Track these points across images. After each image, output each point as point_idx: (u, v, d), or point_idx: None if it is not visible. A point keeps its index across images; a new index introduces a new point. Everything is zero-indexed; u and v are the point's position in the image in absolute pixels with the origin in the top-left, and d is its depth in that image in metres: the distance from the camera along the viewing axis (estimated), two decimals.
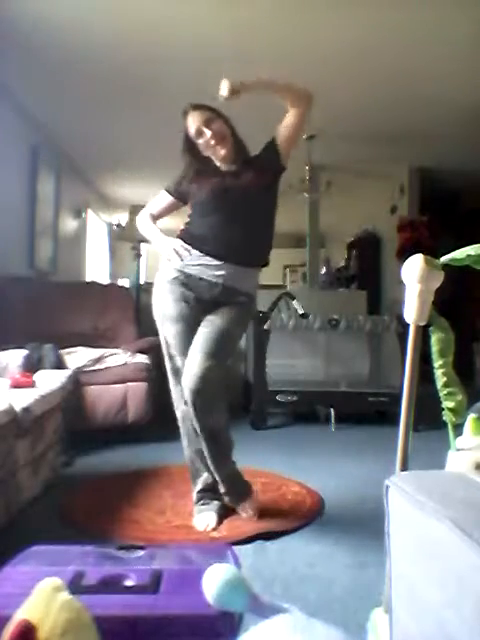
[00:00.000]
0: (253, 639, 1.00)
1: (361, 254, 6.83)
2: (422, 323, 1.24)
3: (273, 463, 2.95)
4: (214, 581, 1.08)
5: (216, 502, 2.20)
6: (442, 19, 3.11)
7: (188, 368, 2.03)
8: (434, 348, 1.27)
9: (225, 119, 2.17)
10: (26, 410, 2.19)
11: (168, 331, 2.15)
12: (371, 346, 4.60)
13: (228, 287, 2.14)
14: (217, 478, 2.17)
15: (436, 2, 2.95)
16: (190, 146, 2.19)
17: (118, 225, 7.40)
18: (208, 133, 2.13)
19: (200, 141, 2.16)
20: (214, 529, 2.07)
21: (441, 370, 1.27)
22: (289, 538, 2.02)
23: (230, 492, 2.20)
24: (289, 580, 1.68)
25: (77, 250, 6.26)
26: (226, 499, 2.22)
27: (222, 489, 2.20)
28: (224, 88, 2.05)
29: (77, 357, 3.47)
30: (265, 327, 4.07)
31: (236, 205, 2.14)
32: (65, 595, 1.06)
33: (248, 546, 1.93)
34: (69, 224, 5.87)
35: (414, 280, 1.21)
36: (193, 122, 2.14)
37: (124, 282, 6.75)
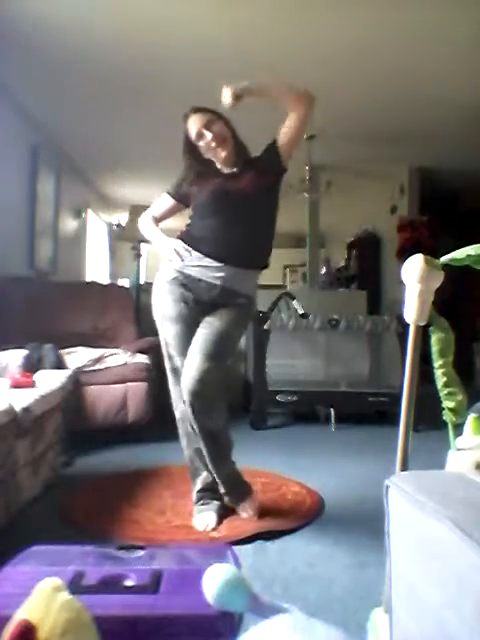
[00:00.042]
0: (253, 639, 1.00)
1: (361, 254, 6.83)
2: (422, 323, 1.24)
3: (273, 463, 2.95)
4: (214, 581, 1.08)
5: (216, 502, 2.20)
6: (442, 19, 3.11)
7: (187, 370, 2.04)
8: (434, 348, 1.27)
9: (226, 121, 2.18)
10: (26, 410, 2.19)
11: (167, 331, 2.15)
12: (371, 346, 4.60)
13: (227, 289, 2.14)
14: (217, 478, 2.17)
15: (436, 2, 2.95)
16: (191, 149, 2.20)
17: (118, 225, 7.40)
18: (209, 135, 2.13)
19: (201, 144, 2.16)
20: (214, 529, 2.07)
21: (441, 370, 1.27)
22: (289, 538, 2.02)
23: (230, 492, 2.20)
24: (289, 580, 1.68)
25: (77, 250, 6.26)
26: (226, 499, 2.22)
27: (222, 489, 2.20)
28: (226, 95, 2.08)
29: (77, 357, 3.47)
30: (265, 327, 4.07)
31: (236, 207, 2.14)
32: (65, 595, 1.06)
33: (248, 546, 1.93)
34: (69, 224, 5.87)
35: (414, 280, 1.21)
36: (194, 125, 2.15)
37: (124, 282, 6.75)
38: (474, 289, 5.97)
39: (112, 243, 7.89)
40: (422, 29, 3.22)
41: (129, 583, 1.25)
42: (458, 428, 1.26)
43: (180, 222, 2.32)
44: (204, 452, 2.12)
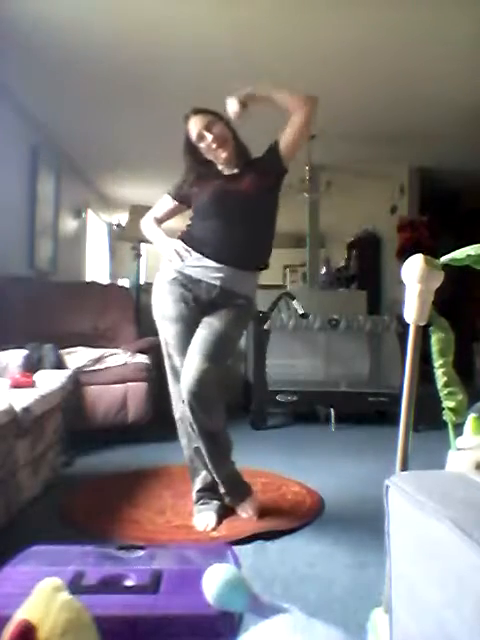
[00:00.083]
0: (253, 639, 1.00)
1: (361, 254, 6.83)
2: (422, 323, 1.24)
3: (273, 463, 2.95)
4: (214, 581, 1.08)
5: (216, 502, 2.20)
6: (442, 19, 3.11)
7: (186, 370, 2.04)
8: (434, 348, 1.27)
9: (226, 122, 2.18)
10: (26, 410, 2.19)
11: (167, 331, 2.16)
12: (371, 346, 4.60)
13: (226, 290, 2.14)
14: (216, 478, 2.17)
15: (436, 2, 2.95)
16: (191, 150, 2.20)
17: (118, 225, 7.40)
18: (209, 137, 2.13)
19: (202, 145, 2.17)
20: (214, 529, 2.07)
21: (441, 370, 1.27)
22: (289, 538, 2.02)
23: (230, 492, 2.20)
24: (289, 580, 1.68)
25: (77, 250, 6.26)
26: (226, 499, 2.22)
27: (222, 489, 2.20)
28: (232, 104, 2.10)
29: (77, 357, 3.47)
30: (265, 327, 4.07)
31: (237, 208, 2.15)
32: (65, 595, 1.06)
33: (248, 546, 1.93)
34: (69, 224, 5.87)
35: (414, 280, 1.21)
36: (194, 126, 2.15)
37: (124, 282, 6.75)
38: (474, 289, 5.97)
39: (112, 243, 7.89)
40: (422, 29, 3.22)
41: (129, 583, 1.25)
42: (458, 428, 1.26)
43: (181, 223, 2.32)
44: (203, 452, 2.12)
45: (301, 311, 4.07)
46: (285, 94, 2.18)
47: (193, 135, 2.16)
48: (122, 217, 7.24)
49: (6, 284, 3.83)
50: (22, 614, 0.99)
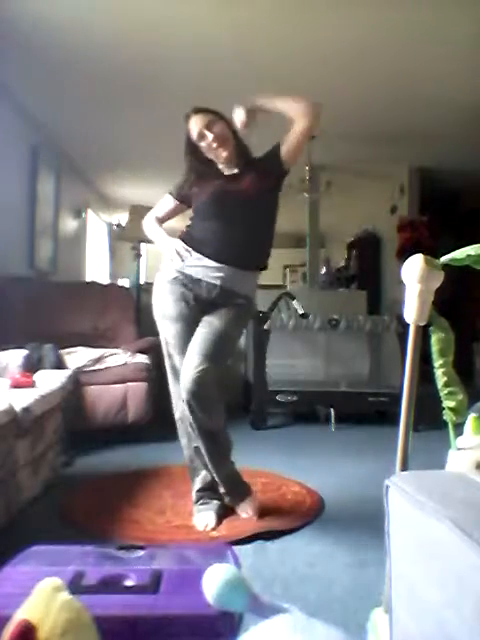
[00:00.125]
0: (253, 639, 1.00)
1: (361, 254, 6.83)
2: (422, 323, 1.24)
3: (273, 463, 2.95)
4: (214, 581, 1.08)
5: (216, 501, 2.20)
6: (442, 19, 3.11)
7: (185, 369, 2.04)
8: (434, 348, 1.27)
9: (227, 122, 2.18)
10: (26, 410, 2.19)
11: (167, 330, 2.16)
12: (371, 346, 4.60)
13: (226, 289, 2.15)
14: (216, 478, 2.17)
15: (436, 2, 2.95)
16: (192, 149, 2.21)
17: (118, 225, 7.40)
18: (210, 136, 2.14)
19: (202, 144, 2.17)
20: (213, 529, 2.07)
21: (441, 369, 1.27)
22: (289, 538, 2.02)
23: (230, 492, 2.20)
24: (289, 580, 1.68)
25: (77, 250, 6.26)
26: (226, 499, 2.22)
27: (222, 489, 2.20)
28: (239, 114, 2.11)
29: (77, 357, 3.47)
30: (265, 327, 4.07)
31: (237, 209, 2.15)
32: (65, 595, 1.06)
33: (248, 546, 1.93)
34: (69, 224, 5.87)
35: (414, 280, 1.21)
36: (195, 125, 2.16)
37: (124, 282, 6.75)
38: (474, 289, 5.97)
39: (112, 243, 7.89)
40: (422, 29, 3.22)
41: (129, 583, 1.25)
42: (458, 428, 1.26)
43: (181, 223, 2.32)
44: (203, 452, 2.12)
45: (301, 311, 4.07)
46: (289, 101, 2.16)
47: (194, 134, 2.16)
48: (122, 217, 7.24)
49: (6, 284, 3.83)
50: (22, 614, 0.99)
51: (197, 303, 2.16)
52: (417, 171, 5.98)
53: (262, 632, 1.00)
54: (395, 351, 4.05)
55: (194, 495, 2.23)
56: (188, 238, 2.21)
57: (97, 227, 7.24)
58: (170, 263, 2.20)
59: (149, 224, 2.38)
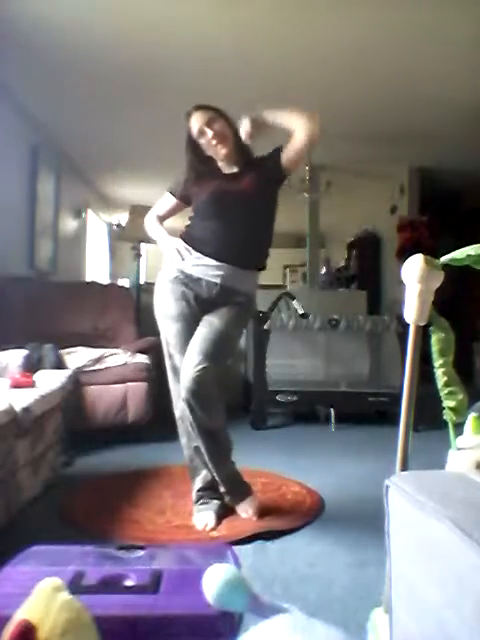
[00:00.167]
0: (253, 639, 1.00)
1: (361, 254, 6.82)
2: (422, 323, 1.24)
3: (273, 463, 2.95)
4: (214, 581, 1.08)
5: (215, 501, 2.20)
6: (442, 19, 3.11)
7: (185, 368, 2.05)
8: (434, 348, 1.27)
9: (228, 120, 2.19)
10: (26, 410, 2.19)
11: (168, 330, 2.17)
12: (371, 346, 4.60)
13: (227, 287, 2.15)
14: (216, 478, 2.17)
15: (436, 2, 2.95)
16: (193, 147, 2.21)
17: (118, 225, 7.40)
18: (210, 133, 2.15)
19: (202, 141, 2.18)
20: (213, 529, 2.07)
21: (442, 369, 1.27)
22: (289, 538, 2.02)
23: (230, 492, 2.20)
24: (289, 580, 1.68)
25: (77, 250, 6.26)
26: (226, 499, 2.22)
27: (222, 489, 2.21)
28: (245, 124, 2.12)
29: (77, 357, 3.47)
30: (265, 327, 4.07)
31: (236, 208, 2.16)
32: (65, 595, 1.06)
33: (248, 546, 1.93)
34: (69, 224, 5.87)
35: (414, 280, 1.21)
36: (196, 122, 2.16)
37: (124, 282, 6.75)
38: (474, 289, 5.97)
39: (112, 243, 7.89)
40: (422, 29, 3.22)
41: (129, 583, 1.25)
42: (458, 427, 1.26)
43: (180, 223, 2.33)
44: (203, 451, 2.12)
45: (301, 311, 4.07)
46: (291, 116, 2.16)
47: (194, 131, 2.17)
48: (122, 217, 7.24)
49: (6, 284, 3.83)
50: (22, 614, 0.99)
51: (198, 303, 2.16)
52: (417, 171, 5.98)
53: (262, 632, 1.00)
54: (395, 351, 4.05)
55: (194, 495, 2.23)
56: (188, 238, 2.22)
57: (97, 227, 7.24)
58: (171, 262, 2.21)
59: (150, 223, 2.39)
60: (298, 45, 3.40)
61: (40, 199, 4.71)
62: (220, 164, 2.25)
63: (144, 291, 5.06)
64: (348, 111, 4.40)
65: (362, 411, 4.17)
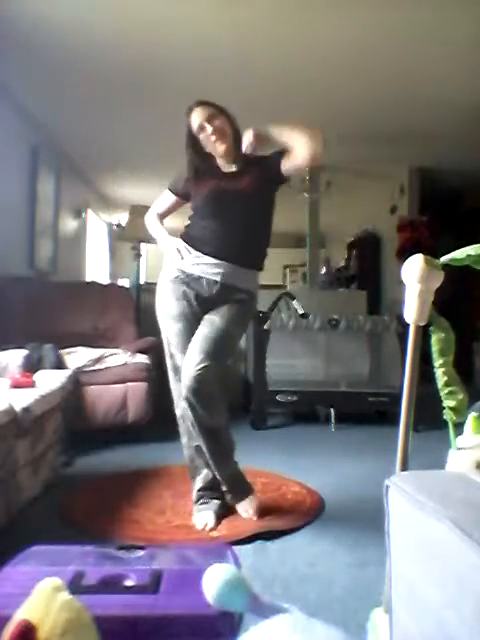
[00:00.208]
0: (253, 639, 1.00)
1: (361, 254, 6.82)
2: (422, 323, 1.24)
3: (273, 463, 2.95)
4: (214, 581, 1.08)
5: (215, 501, 2.20)
6: (442, 19, 3.11)
7: (186, 367, 2.05)
8: (434, 348, 1.27)
9: (229, 117, 2.20)
10: (26, 410, 2.19)
11: (169, 329, 2.18)
12: (371, 346, 4.60)
13: (227, 285, 2.16)
14: (218, 477, 2.18)
15: (436, 2, 2.95)
16: (193, 143, 2.22)
17: (118, 225, 7.40)
18: (209, 129, 2.16)
19: (202, 136, 2.19)
20: (213, 529, 2.08)
21: (442, 369, 1.27)
22: (289, 538, 2.02)
23: (231, 491, 2.21)
24: (289, 580, 1.68)
25: (77, 250, 6.26)
26: (227, 497, 2.22)
27: (223, 488, 2.21)
28: (248, 135, 2.11)
29: (77, 357, 3.47)
30: (265, 327, 4.07)
31: (233, 207, 2.17)
32: (65, 595, 1.06)
33: (248, 546, 1.93)
34: (69, 224, 5.86)
35: (414, 280, 1.21)
36: (196, 117, 2.17)
37: (124, 282, 6.75)
38: (474, 289, 5.97)
39: (112, 243, 7.89)
40: (422, 29, 3.22)
41: (129, 583, 1.25)
42: (459, 427, 1.26)
43: (180, 223, 2.33)
44: (204, 450, 2.12)
45: (301, 311, 4.07)
46: (296, 136, 2.12)
47: (194, 126, 2.18)
48: (122, 217, 7.25)
49: (6, 284, 3.83)
50: (22, 614, 0.99)
51: (199, 302, 2.17)
52: (417, 171, 5.98)
53: (262, 632, 1.00)
54: (395, 351, 4.05)
55: (194, 495, 2.24)
56: (187, 237, 2.23)
57: (97, 227, 7.24)
58: (171, 262, 2.22)
59: (151, 221, 2.40)
60: (298, 45, 3.40)
61: (40, 199, 4.71)
62: (219, 162, 2.26)
63: (144, 291, 5.07)
64: (348, 111, 4.40)
65: (362, 411, 4.17)
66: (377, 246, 6.67)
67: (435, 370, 1.28)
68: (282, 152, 2.18)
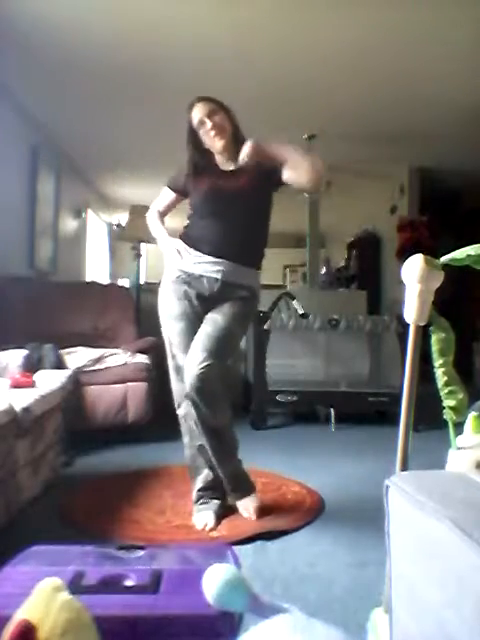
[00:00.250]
0: (253, 639, 1.00)
1: (361, 254, 6.83)
2: (422, 323, 1.24)
3: (273, 463, 2.95)
4: (214, 581, 1.08)
5: (215, 501, 2.21)
6: (442, 19, 3.11)
7: (189, 365, 2.06)
8: (434, 348, 1.27)
9: (229, 114, 2.21)
10: (26, 410, 2.19)
11: (171, 329, 2.19)
12: (371, 346, 4.60)
13: (227, 282, 2.17)
14: (221, 475, 2.19)
15: (436, 2, 2.95)
16: (193, 138, 2.23)
17: (118, 225, 7.40)
18: (209, 123, 2.17)
19: (201, 131, 2.20)
20: (213, 529, 2.08)
21: (442, 369, 1.27)
22: (289, 538, 2.02)
23: (233, 488, 2.22)
24: (289, 580, 1.68)
25: (77, 250, 6.26)
26: (229, 496, 2.23)
27: (225, 486, 2.21)
28: (247, 146, 2.08)
29: (77, 357, 3.47)
30: (265, 327, 4.07)
31: (231, 206, 2.18)
32: (65, 595, 1.05)
33: (248, 546, 1.93)
34: (69, 224, 5.87)
35: (414, 280, 1.21)
36: (197, 112, 2.19)
37: (124, 282, 6.75)
38: (474, 289, 5.97)
39: (112, 243, 7.89)
40: (422, 29, 3.22)
41: (129, 583, 1.25)
42: (458, 427, 1.26)
43: (180, 224, 2.33)
44: (208, 448, 2.13)
45: (301, 311, 4.07)
46: (294, 155, 2.11)
47: (195, 121, 2.19)
48: (122, 217, 7.25)
49: (6, 284, 3.83)
50: (22, 614, 0.99)
51: (200, 301, 2.18)
52: (417, 171, 5.98)
53: (262, 632, 1.00)
54: (395, 351, 4.05)
55: (194, 494, 2.24)
56: (187, 238, 2.24)
57: (97, 227, 7.24)
58: (172, 263, 2.23)
59: (152, 220, 2.41)
60: (298, 45, 3.40)
61: (40, 199, 4.71)
62: (217, 158, 2.26)
63: (144, 291, 5.06)
64: (348, 111, 4.40)
65: (362, 411, 4.17)
66: (377, 246, 6.67)
67: (435, 370, 1.28)
68: (283, 166, 2.17)
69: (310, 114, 4.43)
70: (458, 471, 1.17)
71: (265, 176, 2.19)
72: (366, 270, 6.65)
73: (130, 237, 5.46)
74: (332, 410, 3.99)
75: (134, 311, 4.42)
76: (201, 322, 2.15)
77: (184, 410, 2.18)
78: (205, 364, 2.02)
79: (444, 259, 1.22)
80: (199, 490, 2.23)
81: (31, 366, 3.13)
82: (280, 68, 3.70)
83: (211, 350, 2.04)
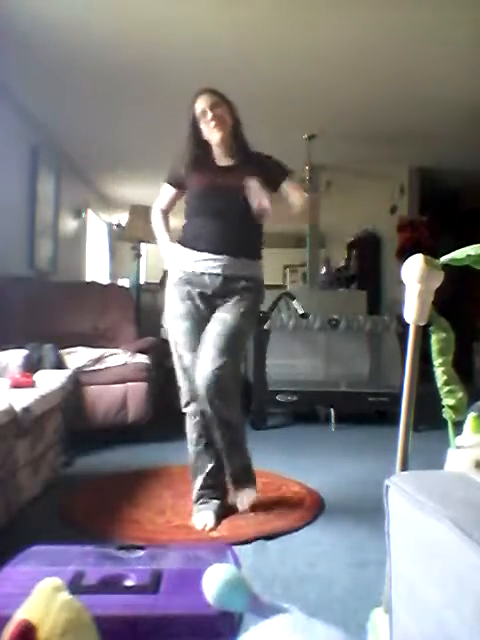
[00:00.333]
0: (253, 639, 1.00)
1: (361, 254, 6.82)
2: (422, 323, 1.24)
3: (273, 463, 2.94)
4: (214, 581, 1.08)
5: (215, 501, 2.21)
6: (442, 19, 3.11)
7: (201, 366, 2.07)
8: (434, 347, 1.27)
9: (231, 108, 2.23)
10: (26, 410, 2.19)
11: (177, 329, 2.20)
12: (371, 346, 4.60)
13: (229, 276, 2.19)
14: (228, 468, 2.21)
15: (436, 2, 2.95)
16: (193, 130, 2.24)
17: (118, 225, 7.40)
18: (210, 115, 2.18)
19: (202, 122, 2.21)
20: (213, 529, 2.08)
21: (441, 368, 1.27)
22: (289, 538, 2.02)
23: (236, 479, 2.24)
24: (289, 580, 1.68)
25: (77, 250, 6.26)
26: (230, 488, 2.25)
27: (229, 478, 2.23)
28: (252, 184, 2.10)
29: (77, 357, 3.47)
30: (265, 327, 4.07)
31: (225, 203, 2.20)
32: (65, 595, 1.05)
33: (248, 546, 1.93)
34: (69, 224, 5.86)
35: (414, 280, 1.21)
36: (201, 103, 2.20)
37: (124, 282, 6.75)
38: (474, 289, 5.97)
39: (112, 243, 7.89)
40: (422, 29, 3.22)
41: (129, 583, 1.25)
42: (458, 426, 1.26)
43: (179, 224, 2.34)
44: (220, 442, 2.15)
45: (301, 311, 4.07)
46: (294, 194, 2.23)
47: (198, 111, 2.20)
48: (122, 217, 7.24)
49: (6, 284, 3.83)
50: (22, 614, 0.99)
51: (203, 300, 2.19)
52: (417, 171, 5.98)
53: (262, 632, 1.00)
54: (395, 351, 4.05)
55: (194, 494, 2.24)
56: (185, 238, 2.26)
57: (97, 227, 7.24)
58: (172, 265, 2.26)
59: (156, 221, 2.41)
60: (298, 45, 3.40)
61: (40, 199, 4.71)
62: (215, 151, 2.27)
63: (144, 291, 5.07)
64: (348, 111, 4.40)
65: (362, 411, 4.17)
66: (377, 246, 6.66)
67: (435, 369, 1.28)
68: (288, 174, 2.26)
69: (310, 114, 4.43)
70: (458, 471, 1.17)
71: (264, 177, 2.19)
72: (366, 270, 6.64)
73: (130, 237, 5.46)
74: (332, 410, 3.99)
75: (134, 311, 4.42)
76: (206, 321, 2.16)
77: (193, 409, 2.19)
78: (219, 363, 2.05)
79: (444, 259, 1.22)
80: (199, 490, 2.23)
81: (31, 366, 3.13)
82: (280, 68, 3.70)
83: (223, 349, 2.07)
